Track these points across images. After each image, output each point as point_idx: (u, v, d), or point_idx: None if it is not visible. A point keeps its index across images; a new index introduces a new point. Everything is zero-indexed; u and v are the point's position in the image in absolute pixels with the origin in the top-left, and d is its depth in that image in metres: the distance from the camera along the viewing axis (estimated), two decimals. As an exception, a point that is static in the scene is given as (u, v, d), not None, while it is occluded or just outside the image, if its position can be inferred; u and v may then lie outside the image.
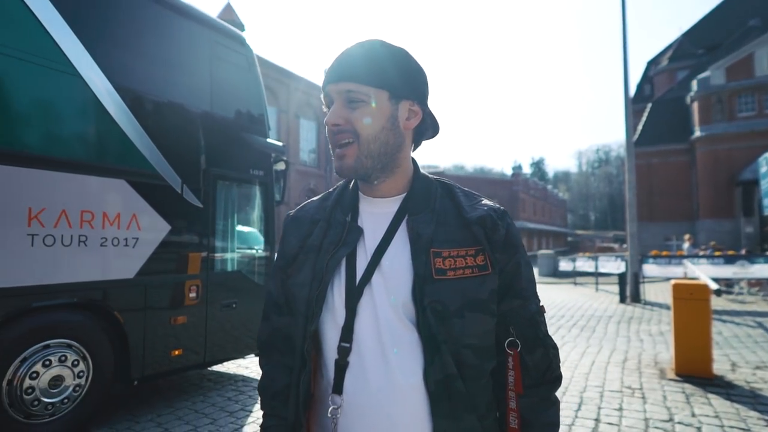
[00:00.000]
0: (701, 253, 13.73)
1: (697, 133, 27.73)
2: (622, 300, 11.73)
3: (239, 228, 5.04)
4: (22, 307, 3.18)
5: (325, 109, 0.93)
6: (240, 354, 4.87)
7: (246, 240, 5.86)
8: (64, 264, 3.37)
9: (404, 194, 0.94)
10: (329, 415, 0.84)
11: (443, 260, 0.85)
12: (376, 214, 0.93)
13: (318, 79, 33.38)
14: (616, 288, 12.71)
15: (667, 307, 10.03)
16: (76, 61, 3.49)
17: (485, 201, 0.95)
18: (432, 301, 0.82)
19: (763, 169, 12.68)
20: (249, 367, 5.67)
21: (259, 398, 1.02)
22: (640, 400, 4.33)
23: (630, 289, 11.67)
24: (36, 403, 3.25)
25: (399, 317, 0.84)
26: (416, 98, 0.92)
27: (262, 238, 5.28)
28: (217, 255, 4.55)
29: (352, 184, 1.00)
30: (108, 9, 3.84)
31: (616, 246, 42.82)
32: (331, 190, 1.03)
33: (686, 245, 14.92)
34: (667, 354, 6.06)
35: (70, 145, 3.54)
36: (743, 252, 14.10)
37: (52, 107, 3.46)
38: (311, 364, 0.88)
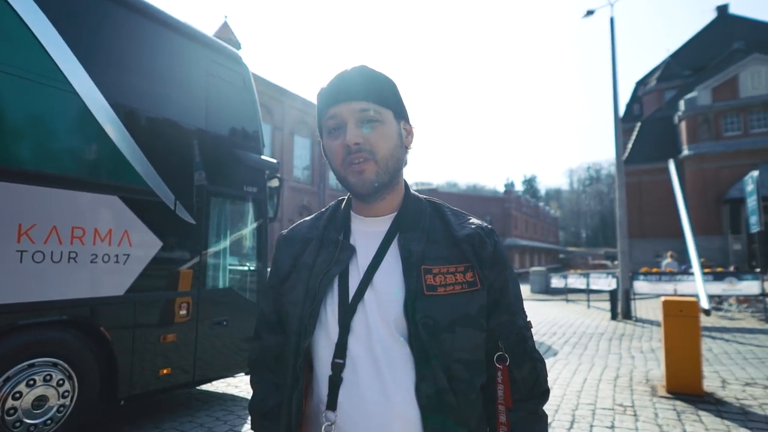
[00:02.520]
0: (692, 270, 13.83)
1: (685, 152, 28.24)
2: (614, 317, 11.76)
3: (232, 245, 5.03)
4: (7, 325, 3.13)
5: (325, 131, 0.94)
6: (229, 372, 4.81)
7: (238, 257, 5.83)
8: (53, 281, 3.33)
9: (395, 213, 0.97)
10: (323, 431, 0.85)
11: (434, 277, 0.87)
12: (368, 233, 0.96)
13: (313, 97, 33.55)
14: (607, 305, 12.75)
15: (658, 324, 10.06)
16: (72, 77, 3.51)
17: (473, 219, 0.98)
18: (423, 316, 0.84)
19: (749, 188, 12.90)
20: (238, 386, 5.59)
21: (250, 417, 1.01)
22: (632, 418, 4.32)
23: (621, 306, 11.71)
24: (18, 424, 3.17)
25: (391, 333, 0.86)
26: (407, 118, 0.98)
27: (255, 256, 5.26)
28: (209, 272, 4.53)
29: (344, 203, 1.02)
30: (105, 26, 3.88)
31: (607, 263, 43.07)
32: (323, 209, 1.06)
33: (667, 261, 15.12)
34: (658, 371, 6.07)
35: (63, 160, 3.54)
36: (732, 269, 14.25)
37: (46, 122, 3.46)
38: (304, 381, 0.89)
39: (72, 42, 3.55)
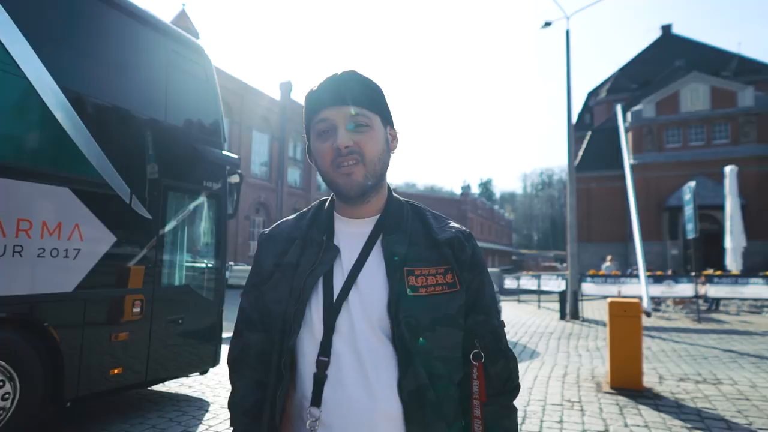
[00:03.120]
0: (635, 272, 14.68)
1: (631, 161, 29.88)
2: (563, 317, 12.29)
3: (189, 241, 4.89)
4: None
5: (312, 133, 0.97)
6: (183, 373, 4.67)
7: (196, 254, 5.67)
8: (-5, 276, 3.13)
9: (378, 215, 1.00)
10: (308, 427, 0.86)
11: (416, 278, 0.91)
12: (351, 234, 0.98)
13: (273, 92, 32.90)
14: (556, 305, 13.30)
15: (604, 324, 10.61)
16: (21, 60, 3.31)
17: (453, 224, 1.03)
18: (406, 316, 0.87)
19: (686, 197, 13.83)
20: (192, 386, 5.44)
21: (230, 415, 1.02)
22: (579, 413, 4.56)
23: (570, 307, 12.25)
24: (-47, 428, 2.97)
25: (374, 332, 0.89)
26: (392, 123, 1.01)
27: (212, 252, 5.14)
28: (165, 269, 4.39)
29: (327, 204, 1.04)
30: (59, 8, 3.68)
31: (557, 265, 44.83)
32: (305, 210, 1.07)
33: (606, 264, 16.11)
34: (603, 368, 6.41)
35: (9, 148, 3.33)
36: (669, 272, 15.23)
37: (-9, 108, 3.25)
38: (288, 379, 0.91)
39: (22, 23, 3.35)
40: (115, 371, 3.86)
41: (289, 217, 1.08)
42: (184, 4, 31.48)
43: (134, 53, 4.26)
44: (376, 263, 0.93)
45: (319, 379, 0.88)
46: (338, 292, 0.91)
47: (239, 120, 29.26)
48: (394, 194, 1.05)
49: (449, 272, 0.94)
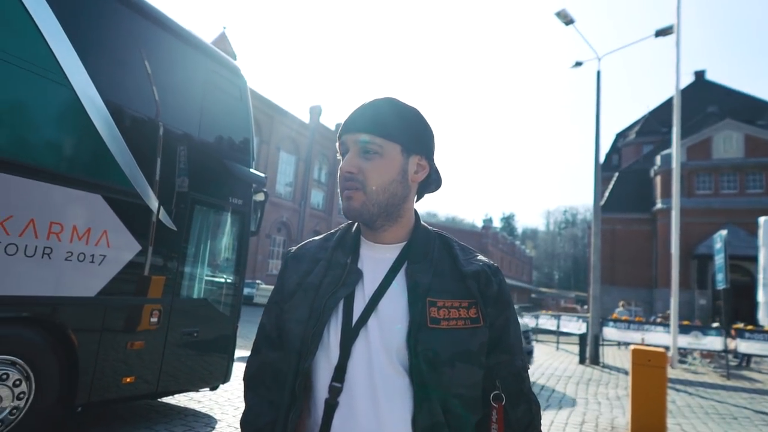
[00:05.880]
0: (659, 320, 14.18)
1: (659, 205, 29.23)
2: (582, 361, 11.86)
3: (210, 255, 4.95)
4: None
5: (339, 157, 0.99)
6: (194, 387, 4.65)
7: (216, 268, 5.73)
8: (22, 275, 3.20)
9: (404, 242, 0.99)
10: None
11: (438, 309, 0.88)
12: (376, 259, 0.97)
13: (303, 115, 33.80)
14: (576, 348, 12.88)
15: (625, 372, 10.19)
16: (69, 70, 3.47)
17: (480, 257, 1.01)
18: (425, 348, 0.85)
19: (717, 245, 13.40)
20: (201, 401, 5.41)
21: None
22: (597, 465, 4.34)
23: (590, 351, 11.84)
24: (-34, 423, 3.00)
25: (392, 362, 0.87)
26: (424, 153, 1.00)
27: (232, 268, 5.18)
28: (185, 281, 4.43)
29: (354, 227, 1.04)
30: (109, 24, 3.87)
31: (578, 307, 43.64)
32: (333, 231, 1.07)
33: (618, 309, 15.80)
34: (623, 419, 6.12)
35: (50, 153, 3.47)
36: (697, 323, 14.64)
37: (39, 115, 3.40)
38: (302, 401, 0.89)
39: (73, 36, 3.53)
40: (128, 380, 3.87)
41: (316, 238, 1.08)
42: (224, 27, 32.83)
43: (175, 70, 4.43)
44: (398, 291, 0.91)
45: (330, 405, 0.86)
46: (357, 317, 0.90)
47: (268, 140, 29.96)
48: (423, 223, 1.04)
49: (473, 306, 0.91)
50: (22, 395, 3.28)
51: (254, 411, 0.98)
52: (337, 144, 1.00)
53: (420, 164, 0.99)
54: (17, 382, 3.25)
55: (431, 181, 1.04)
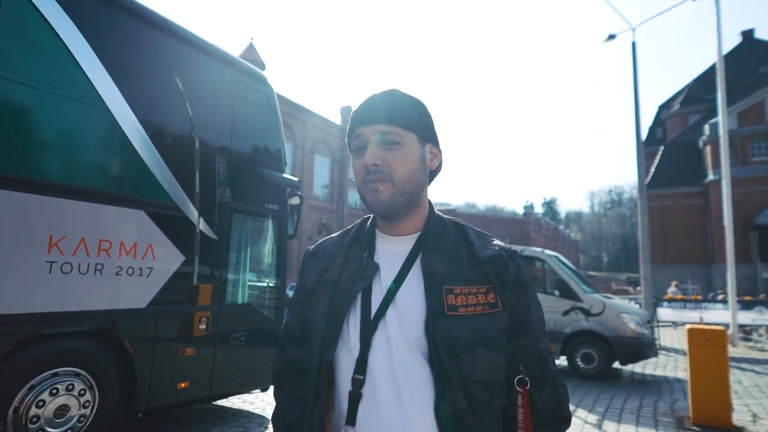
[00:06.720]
0: (719, 297, 13.46)
1: (711, 177, 27.65)
2: (637, 344, 11.40)
3: (252, 261, 5.10)
4: (33, 333, 3.22)
5: (349, 152, 0.99)
6: (245, 389, 4.82)
7: (258, 273, 5.90)
8: (79, 292, 3.42)
9: (419, 233, 0.99)
10: None
11: (455, 297, 0.88)
12: (391, 252, 0.97)
13: (334, 116, 33.98)
14: (630, 332, 12.38)
15: (683, 353, 9.73)
16: (105, 95, 3.66)
17: (496, 241, 0.99)
18: (444, 336, 0.84)
19: (779, 214, 12.53)
20: (254, 402, 5.59)
21: (272, 429, 1.03)
22: (657, 451, 4.17)
23: (645, 334, 11.36)
24: (40, 432, 3.23)
25: (412, 351, 0.87)
26: (434, 141, 1.00)
27: (273, 272, 5.32)
28: (229, 287, 4.59)
29: (369, 222, 1.05)
30: (138, 46, 4.05)
31: (630, 288, 42.00)
32: (349, 227, 1.08)
33: (671, 289, 15.02)
34: (684, 402, 5.85)
35: (94, 175, 3.67)
36: (761, 297, 13.76)
37: (79, 138, 3.61)
38: (326, 395, 0.90)
39: (106, 61, 3.71)
40: (183, 385, 4.05)
41: (333, 235, 1.09)
42: (252, 38, 33.67)
43: (205, 85, 4.58)
44: (415, 281, 0.92)
45: (354, 398, 0.87)
46: (376, 309, 0.90)
47: (302, 144, 30.44)
48: (437, 212, 1.03)
49: (491, 292, 0.90)
50: (87, 404, 3.50)
51: (283, 408, 1.01)
52: (348, 140, 1.00)
53: (432, 152, 1.00)
54: (82, 392, 3.47)
55: (439, 169, 1.03)
